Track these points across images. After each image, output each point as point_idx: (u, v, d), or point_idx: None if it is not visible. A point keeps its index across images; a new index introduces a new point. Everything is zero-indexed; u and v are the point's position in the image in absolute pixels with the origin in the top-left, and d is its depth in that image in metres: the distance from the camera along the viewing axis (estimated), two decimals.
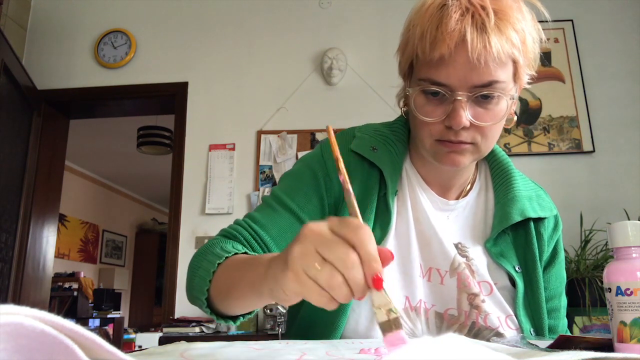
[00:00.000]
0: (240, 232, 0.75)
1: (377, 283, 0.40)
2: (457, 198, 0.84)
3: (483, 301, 0.74)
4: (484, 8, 0.66)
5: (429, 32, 0.67)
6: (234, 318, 0.67)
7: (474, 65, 0.65)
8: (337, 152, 0.47)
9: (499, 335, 0.73)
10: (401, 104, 0.83)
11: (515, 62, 0.69)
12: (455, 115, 0.68)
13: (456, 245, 0.79)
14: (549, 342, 0.54)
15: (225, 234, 0.76)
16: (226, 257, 0.64)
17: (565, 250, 2.41)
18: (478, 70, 0.66)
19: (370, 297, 0.40)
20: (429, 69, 0.69)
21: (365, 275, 0.40)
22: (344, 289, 0.40)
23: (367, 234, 0.41)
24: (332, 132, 0.48)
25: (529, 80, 0.74)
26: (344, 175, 0.46)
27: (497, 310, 0.75)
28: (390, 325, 0.39)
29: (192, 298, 0.69)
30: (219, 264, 0.64)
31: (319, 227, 0.42)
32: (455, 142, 0.70)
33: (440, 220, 0.81)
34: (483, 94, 0.68)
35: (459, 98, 0.67)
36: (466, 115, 0.68)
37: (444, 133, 0.71)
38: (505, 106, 0.70)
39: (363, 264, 0.40)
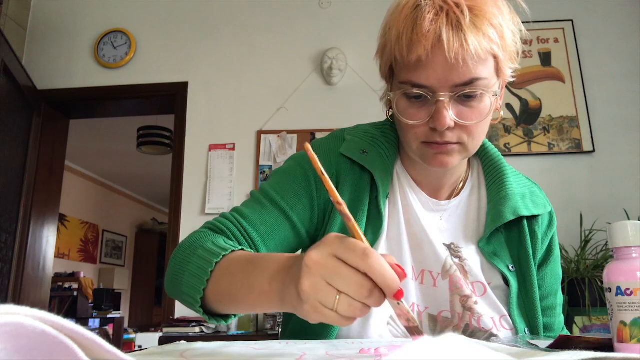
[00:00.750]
0: (228, 226, 0.73)
1: (399, 295, 0.42)
2: (450, 198, 0.83)
3: (476, 303, 0.74)
4: (458, 5, 0.65)
5: (405, 34, 0.66)
6: (226, 317, 0.65)
7: (452, 65, 0.64)
8: (328, 181, 0.44)
9: (495, 336, 0.73)
10: (386, 105, 0.82)
11: (495, 57, 0.68)
12: (439, 117, 0.67)
13: (449, 246, 0.78)
14: (548, 342, 0.54)
15: (212, 228, 0.74)
16: (223, 256, 0.62)
17: (565, 250, 2.43)
18: (457, 70, 0.65)
19: (390, 305, 0.45)
20: (409, 71, 0.68)
21: (385, 294, 0.43)
22: (366, 310, 0.43)
23: (376, 260, 0.41)
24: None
25: (513, 74, 0.73)
26: (343, 205, 0.44)
27: (490, 311, 0.75)
28: (412, 332, 0.44)
29: (179, 293, 0.66)
30: (216, 262, 0.61)
31: (321, 256, 0.43)
32: (441, 143, 0.70)
33: (431, 221, 0.80)
34: (465, 93, 0.67)
35: (441, 99, 0.66)
36: (450, 116, 0.67)
37: (429, 135, 0.70)
38: (489, 103, 0.69)
39: (383, 289, 0.42)
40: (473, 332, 0.73)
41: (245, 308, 0.58)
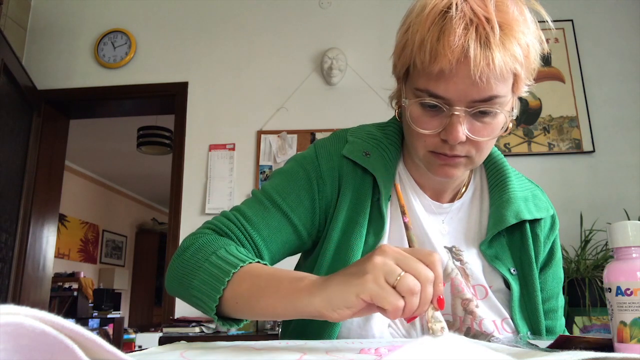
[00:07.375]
0: (232, 229, 0.73)
1: (441, 303, 0.49)
2: (452, 200, 0.82)
3: (477, 306, 0.74)
4: (488, 21, 0.63)
5: (429, 42, 0.64)
6: (238, 321, 0.66)
7: (474, 82, 0.63)
8: (403, 202, 0.59)
9: (495, 336, 0.73)
10: (394, 104, 0.81)
11: (516, 75, 0.67)
12: (453, 130, 0.66)
13: (450, 249, 0.78)
14: (548, 342, 0.54)
15: (215, 229, 0.73)
16: (240, 267, 0.62)
17: (565, 250, 2.42)
18: (478, 86, 0.63)
19: (427, 314, 0.48)
20: (428, 80, 0.66)
21: (433, 293, 0.48)
22: (417, 298, 0.47)
23: (439, 258, 0.49)
24: (400, 190, 0.60)
25: (527, 90, 0.72)
26: (409, 220, 0.57)
27: (492, 314, 0.75)
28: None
29: (189, 296, 0.66)
30: (234, 273, 0.61)
31: (396, 248, 0.50)
32: (450, 156, 0.69)
33: (433, 224, 0.80)
34: (481, 109, 0.66)
35: (456, 113, 0.65)
36: (463, 130, 0.66)
37: (438, 146, 0.69)
38: (503, 120, 0.68)
39: (436, 284, 0.48)
40: (475, 335, 0.73)
41: (262, 309, 0.59)
